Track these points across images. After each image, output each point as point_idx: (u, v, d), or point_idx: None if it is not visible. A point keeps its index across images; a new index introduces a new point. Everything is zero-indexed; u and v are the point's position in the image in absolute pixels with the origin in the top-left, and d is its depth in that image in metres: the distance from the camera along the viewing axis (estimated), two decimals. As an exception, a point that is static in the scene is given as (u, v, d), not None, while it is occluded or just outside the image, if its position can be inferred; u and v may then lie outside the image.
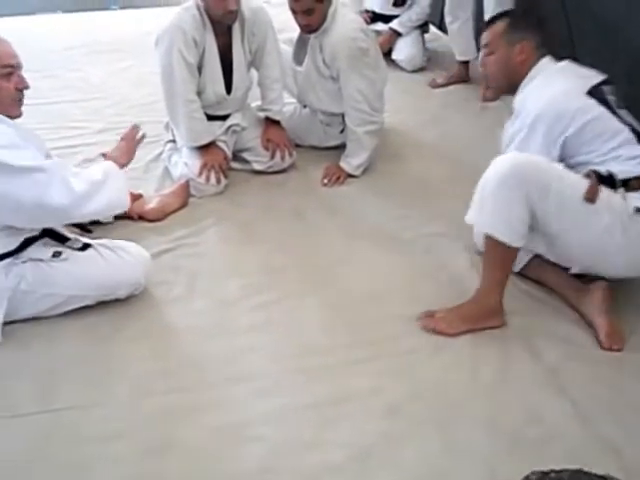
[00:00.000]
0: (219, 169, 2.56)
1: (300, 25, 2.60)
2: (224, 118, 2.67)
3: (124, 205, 1.99)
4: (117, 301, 1.99)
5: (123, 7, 5.06)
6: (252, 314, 1.98)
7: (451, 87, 3.52)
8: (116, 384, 1.75)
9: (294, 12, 2.54)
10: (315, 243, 2.32)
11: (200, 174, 2.53)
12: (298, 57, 2.75)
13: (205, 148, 2.57)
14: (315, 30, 2.59)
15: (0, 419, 1.65)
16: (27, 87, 1.88)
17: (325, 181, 2.66)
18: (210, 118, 2.61)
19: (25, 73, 1.89)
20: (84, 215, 1.88)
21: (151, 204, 2.44)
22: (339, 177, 2.67)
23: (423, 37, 3.79)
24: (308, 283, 2.11)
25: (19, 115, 1.89)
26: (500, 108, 3.29)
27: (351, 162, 2.68)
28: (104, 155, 2.14)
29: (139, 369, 1.79)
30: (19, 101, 1.87)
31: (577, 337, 1.87)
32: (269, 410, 1.68)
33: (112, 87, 3.59)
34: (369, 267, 2.18)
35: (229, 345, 1.87)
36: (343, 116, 2.71)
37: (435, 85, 3.53)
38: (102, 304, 1.97)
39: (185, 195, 2.52)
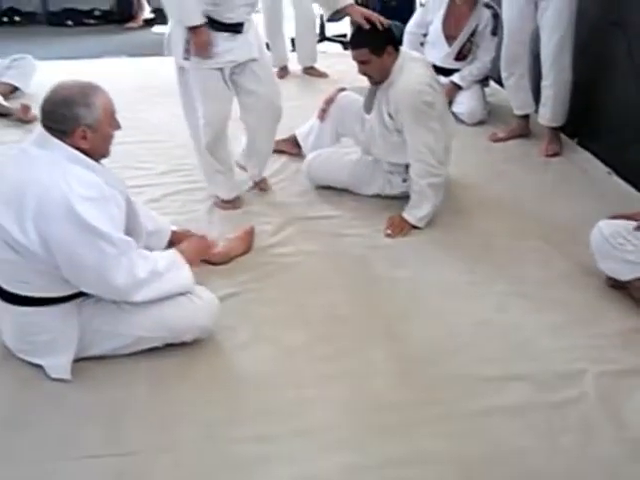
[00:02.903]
0: None
1: (361, 74, 2.65)
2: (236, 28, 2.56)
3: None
4: (183, 344, 1.97)
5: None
6: (319, 364, 1.95)
7: (511, 141, 3.50)
8: (185, 430, 1.72)
9: (354, 60, 2.60)
10: (380, 294, 2.29)
11: None
12: (368, 106, 2.78)
13: None
14: (377, 82, 2.63)
15: (71, 460, 1.64)
16: (120, 128, 1.92)
17: (389, 232, 2.64)
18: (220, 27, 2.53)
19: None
20: (135, 300, 1.85)
21: (216, 248, 2.45)
22: (402, 229, 2.65)
23: (483, 91, 3.80)
24: (375, 335, 2.07)
25: (109, 154, 1.93)
26: (563, 163, 3.28)
27: (415, 214, 2.66)
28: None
29: (208, 416, 1.77)
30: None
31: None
32: (339, 466, 1.63)
33: (175, 129, 3.63)
34: (437, 322, 2.14)
35: (297, 395, 1.84)
36: (407, 166, 2.71)
37: (496, 139, 3.51)
38: (168, 346, 1.97)
39: (250, 240, 2.52)
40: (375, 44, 2.53)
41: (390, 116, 2.66)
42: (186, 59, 2.56)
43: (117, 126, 1.91)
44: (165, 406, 1.80)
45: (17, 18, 6.32)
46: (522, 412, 1.77)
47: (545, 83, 3.25)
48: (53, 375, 1.87)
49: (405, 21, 5.63)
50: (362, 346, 2.02)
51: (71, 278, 1.79)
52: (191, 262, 2.00)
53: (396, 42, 2.63)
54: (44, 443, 1.69)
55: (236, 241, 2.49)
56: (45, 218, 1.71)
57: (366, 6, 6.05)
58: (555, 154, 3.31)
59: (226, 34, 2.55)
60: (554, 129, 3.36)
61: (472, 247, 2.56)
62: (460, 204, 2.87)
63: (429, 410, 1.78)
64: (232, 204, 2.84)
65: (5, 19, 6.25)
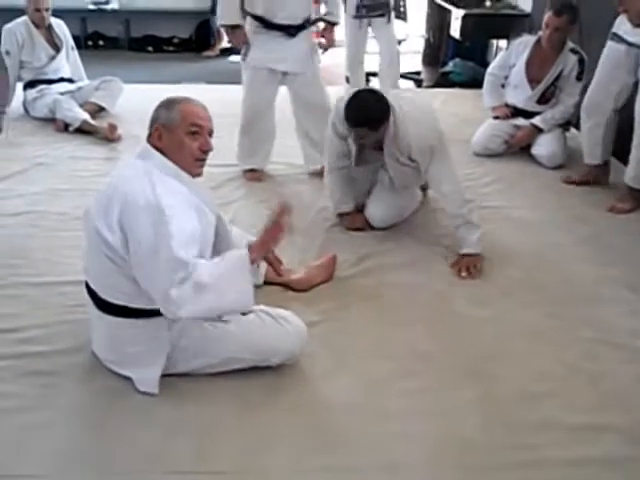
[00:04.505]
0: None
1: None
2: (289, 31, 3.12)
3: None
4: (267, 368, 1.98)
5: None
6: (404, 399, 1.93)
7: (589, 187, 3.41)
8: (271, 454, 1.72)
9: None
10: (462, 332, 2.25)
11: None
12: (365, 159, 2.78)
13: None
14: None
15: (158, 474, 1.65)
16: (210, 149, 1.91)
17: (464, 274, 2.58)
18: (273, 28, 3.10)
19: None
20: (179, 316, 1.77)
21: (297, 274, 2.47)
22: (475, 265, 2.60)
23: (565, 135, 3.76)
24: (460, 374, 2.04)
25: (199, 174, 1.93)
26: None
27: (470, 244, 2.62)
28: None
29: (293, 442, 1.76)
30: (201, 161, 1.91)
31: None
32: (425, 506, 1.60)
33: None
34: (523, 365, 2.09)
35: (381, 429, 1.81)
36: None
37: (569, 181, 3.45)
38: (253, 369, 1.97)
39: (332, 269, 2.53)
40: (374, 125, 2.50)
41: (411, 159, 2.63)
42: (243, 60, 3.25)
43: (201, 143, 1.87)
44: (250, 428, 1.80)
45: (101, 42, 6.61)
46: (618, 465, 1.71)
47: (634, 143, 3.11)
48: (141, 388, 1.90)
49: (478, 61, 5.68)
50: (446, 384, 1.99)
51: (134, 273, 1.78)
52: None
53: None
54: (132, 455, 1.71)
55: (318, 269, 2.51)
56: (127, 215, 1.74)
57: (439, 47, 6.13)
58: (620, 212, 3.17)
59: (279, 35, 3.08)
60: (633, 189, 3.21)
61: (554, 290, 2.51)
62: (538, 246, 2.83)
63: (518, 455, 1.73)
64: (251, 174, 3.44)
65: (90, 43, 6.54)
